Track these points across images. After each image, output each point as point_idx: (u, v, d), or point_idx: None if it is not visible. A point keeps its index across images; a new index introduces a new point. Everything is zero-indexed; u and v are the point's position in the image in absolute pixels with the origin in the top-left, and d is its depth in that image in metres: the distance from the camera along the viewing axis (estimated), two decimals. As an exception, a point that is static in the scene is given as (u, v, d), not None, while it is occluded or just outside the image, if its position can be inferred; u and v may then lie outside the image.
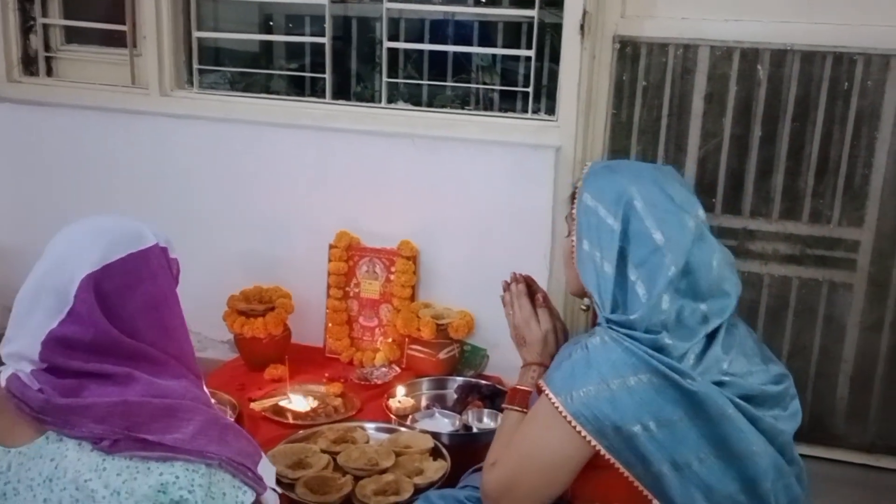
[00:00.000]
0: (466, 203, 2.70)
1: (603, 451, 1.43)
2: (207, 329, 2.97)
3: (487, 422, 2.34)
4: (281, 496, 1.92)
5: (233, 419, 2.25)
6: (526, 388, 1.68)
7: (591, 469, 1.48)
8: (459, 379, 2.57)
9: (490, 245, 2.69)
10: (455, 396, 2.49)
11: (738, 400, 1.46)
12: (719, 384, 1.47)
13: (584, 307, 1.67)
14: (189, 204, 2.97)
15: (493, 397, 2.44)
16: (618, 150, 2.61)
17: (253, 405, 2.38)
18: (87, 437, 1.30)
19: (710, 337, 1.51)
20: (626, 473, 1.43)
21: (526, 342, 1.74)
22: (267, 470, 1.43)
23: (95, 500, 1.29)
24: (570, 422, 1.43)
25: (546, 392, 1.48)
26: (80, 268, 1.36)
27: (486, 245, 2.70)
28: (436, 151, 2.70)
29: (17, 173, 3.16)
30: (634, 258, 1.50)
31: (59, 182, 3.11)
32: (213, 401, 1.49)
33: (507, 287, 1.82)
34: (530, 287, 1.80)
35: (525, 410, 1.63)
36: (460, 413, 2.36)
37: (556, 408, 1.45)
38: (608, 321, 1.48)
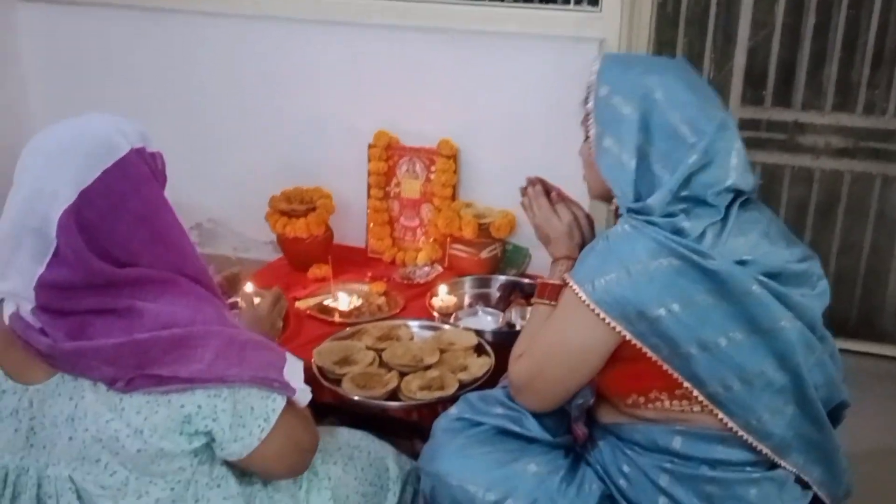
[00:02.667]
0: (506, 100, 2.64)
1: (629, 337, 1.45)
2: (250, 230, 3.00)
3: (530, 319, 2.35)
4: (328, 391, 1.97)
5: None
6: (554, 282, 1.70)
7: (621, 361, 1.51)
8: (502, 277, 2.56)
9: (531, 143, 2.64)
10: (498, 295, 2.49)
11: (762, 277, 1.47)
12: (741, 263, 1.47)
13: (613, 209, 1.68)
14: (225, 104, 2.95)
15: (535, 295, 2.44)
16: (664, 41, 2.53)
17: (298, 304, 2.41)
18: (100, 379, 1.26)
19: (726, 217, 1.51)
20: (655, 358, 1.45)
21: (550, 239, 1.78)
22: (294, 370, 1.40)
23: (119, 439, 1.28)
24: (593, 309, 1.46)
25: (570, 283, 1.51)
26: (54, 203, 1.24)
27: (527, 143, 2.65)
28: (474, 47, 2.64)
29: (48, 75, 3.15)
30: (657, 150, 1.50)
31: (89, 83, 3.10)
32: (230, 311, 1.42)
33: (524, 192, 1.85)
34: (545, 186, 1.83)
35: (553, 304, 1.65)
36: (503, 311, 2.37)
37: (580, 297, 1.47)
38: (629, 210, 1.50)
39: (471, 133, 2.71)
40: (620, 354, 1.50)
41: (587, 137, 1.61)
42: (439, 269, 2.68)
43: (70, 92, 3.15)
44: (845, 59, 2.42)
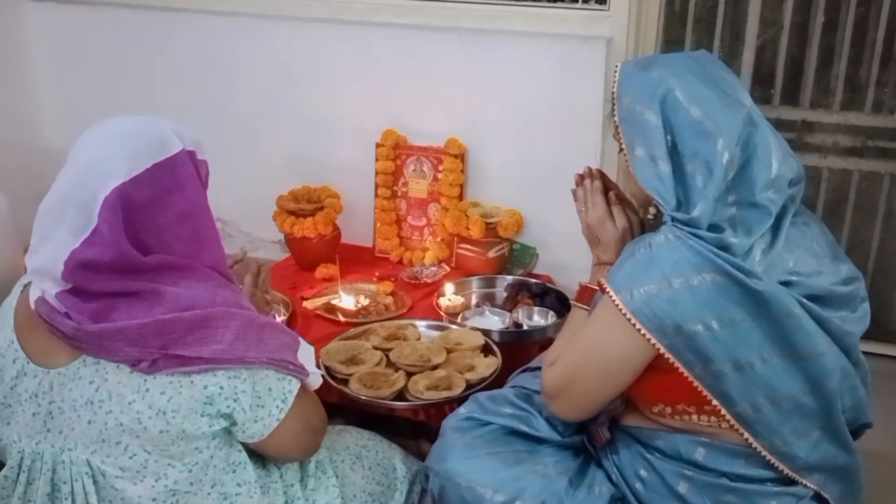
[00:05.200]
0: (514, 99, 2.64)
1: (663, 351, 1.40)
2: (258, 229, 3.00)
3: (537, 319, 2.35)
4: (336, 391, 1.97)
5: (286, 317, 2.29)
6: (594, 287, 1.64)
7: (651, 371, 1.46)
8: (509, 277, 2.57)
9: (539, 142, 2.64)
10: (505, 294, 2.50)
11: (804, 300, 1.43)
12: (786, 284, 1.42)
13: (650, 217, 1.61)
14: (233, 103, 2.96)
15: (542, 295, 2.44)
16: (672, 40, 2.52)
17: (305, 303, 2.41)
18: (124, 361, 1.30)
19: (776, 232, 1.46)
20: (687, 374, 1.41)
21: (600, 242, 1.68)
22: (307, 355, 1.46)
23: (141, 420, 1.31)
24: (629, 319, 1.40)
25: (607, 290, 1.45)
26: (104, 182, 1.30)
27: (535, 142, 2.65)
28: (482, 45, 2.63)
29: (63, 73, 3.16)
30: (686, 150, 1.44)
31: (97, 82, 3.11)
32: (245, 299, 1.46)
33: (580, 181, 1.73)
34: (605, 183, 1.71)
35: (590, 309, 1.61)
36: (510, 311, 2.37)
37: (617, 305, 1.42)
38: (673, 219, 1.43)
39: (479, 132, 2.71)
40: (652, 365, 1.45)
41: (621, 149, 1.54)
42: (446, 268, 2.68)
43: (78, 90, 3.15)
44: (854, 58, 2.40)
